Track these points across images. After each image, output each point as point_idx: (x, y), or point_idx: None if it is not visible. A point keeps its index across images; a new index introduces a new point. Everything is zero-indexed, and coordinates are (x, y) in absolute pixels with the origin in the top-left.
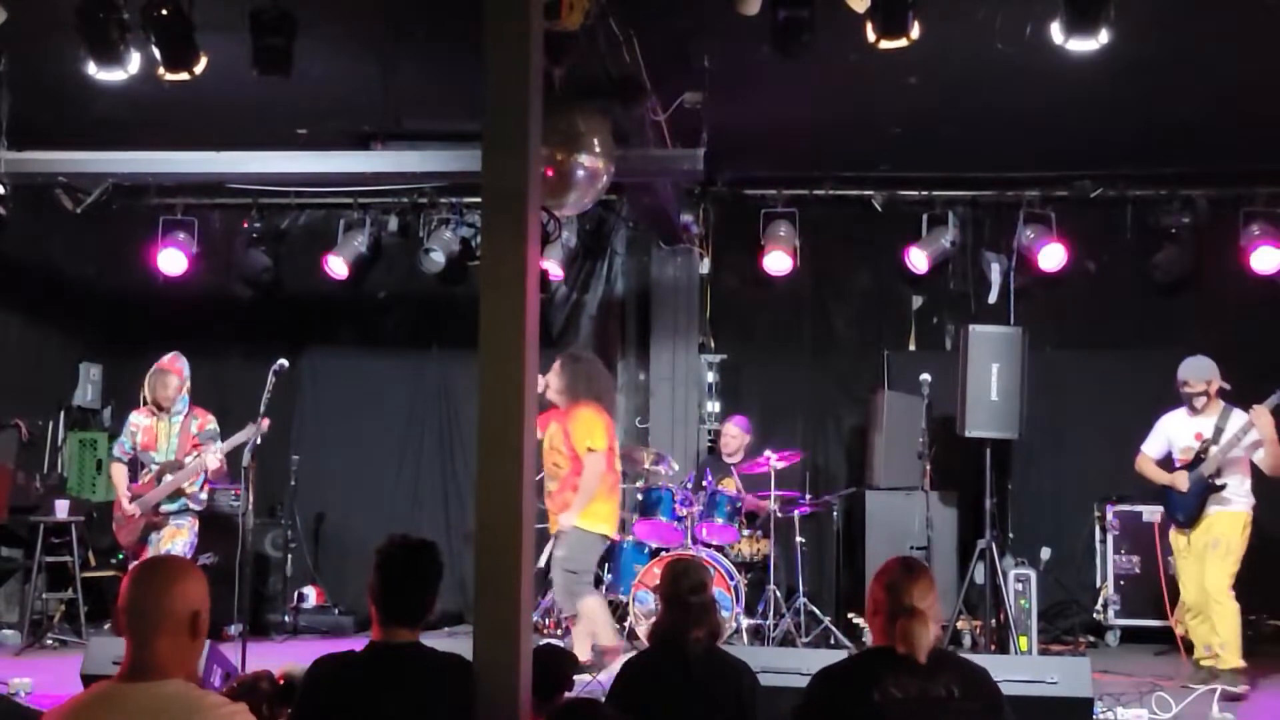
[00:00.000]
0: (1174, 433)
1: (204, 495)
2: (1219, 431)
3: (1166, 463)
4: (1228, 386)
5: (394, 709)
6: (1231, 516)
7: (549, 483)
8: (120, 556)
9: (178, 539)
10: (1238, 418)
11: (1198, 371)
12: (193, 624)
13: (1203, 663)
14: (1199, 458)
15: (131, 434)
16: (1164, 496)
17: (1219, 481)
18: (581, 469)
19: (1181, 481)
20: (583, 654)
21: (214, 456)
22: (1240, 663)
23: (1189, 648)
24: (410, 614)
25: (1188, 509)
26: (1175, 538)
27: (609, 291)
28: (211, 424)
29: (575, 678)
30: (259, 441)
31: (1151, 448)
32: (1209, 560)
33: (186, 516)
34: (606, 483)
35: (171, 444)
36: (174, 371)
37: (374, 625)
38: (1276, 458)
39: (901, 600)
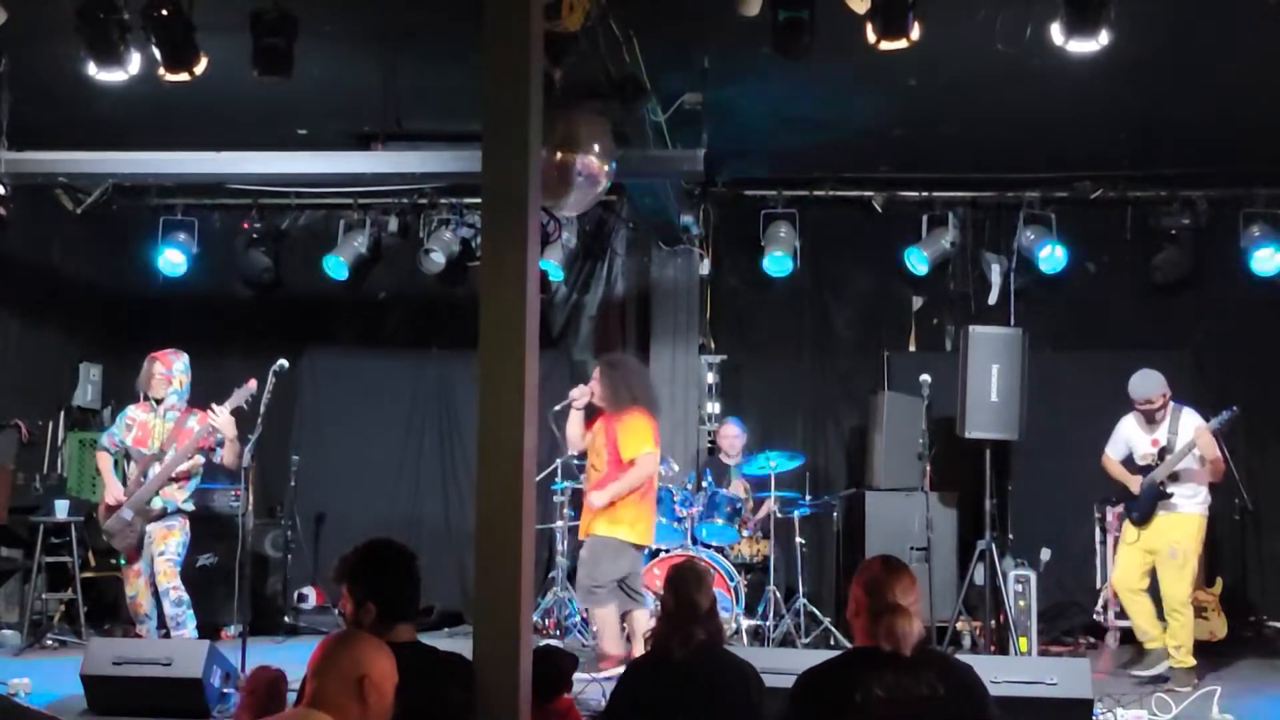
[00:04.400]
0: (1133, 439)
1: (187, 496)
2: (1172, 438)
3: (1129, 463)
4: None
5: (394, 709)
6: (1183, 520)
7: (587, 485)
8: (124, 561)
9: (170, 540)
10: (1187, 423)
11: (1155, 387)
12: (359, 685)
13: (1148, 646)
14: (1155, 464)
15: (126, 426)
16: (1126, 493)
17: (1168, 489)
18: (617, 473)
19: (1134, 485)
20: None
21: (223, 414)
22: (1192, 661)
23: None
24: (407, 611)
25: (1141, 510)
26: (1127, 527)
27: (609, 292)
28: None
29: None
30: (258, 404)
31: (1114, 450)
32: (1167, 570)
33: (176, 518)
34: (638, 489)
35: (162, 440)
36: (163, 361)
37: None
38: (1217, 473)
39: (884, 598)
